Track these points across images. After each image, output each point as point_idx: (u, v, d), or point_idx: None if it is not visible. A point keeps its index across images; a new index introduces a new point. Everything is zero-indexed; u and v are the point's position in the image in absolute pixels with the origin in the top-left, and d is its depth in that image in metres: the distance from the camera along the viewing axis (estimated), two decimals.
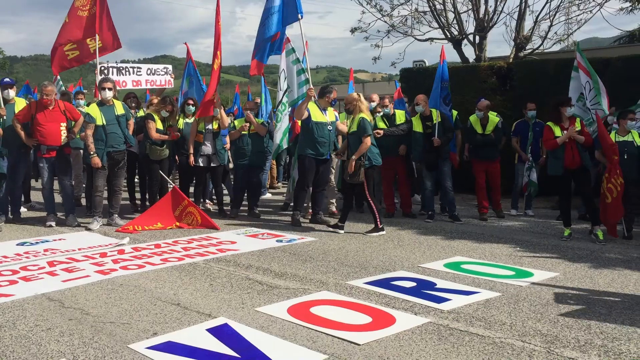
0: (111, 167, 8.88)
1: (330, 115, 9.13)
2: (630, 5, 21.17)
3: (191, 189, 10.20)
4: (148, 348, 4.14)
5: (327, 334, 4.37)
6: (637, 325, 4.54)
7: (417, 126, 9.35)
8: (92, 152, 8.64)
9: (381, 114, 9.94)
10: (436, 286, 5.67)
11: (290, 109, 10.82)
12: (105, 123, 8.66)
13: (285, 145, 10.96)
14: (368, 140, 8.15)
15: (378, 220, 8.30)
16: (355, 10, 20.35)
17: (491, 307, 5.03)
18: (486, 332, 4.40)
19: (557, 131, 7.77)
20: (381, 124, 9.64)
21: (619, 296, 5.32)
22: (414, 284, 5.75)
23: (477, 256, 7.00)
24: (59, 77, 13.46)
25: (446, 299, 5.21)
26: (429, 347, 4.13)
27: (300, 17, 9.27)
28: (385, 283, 5.76)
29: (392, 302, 5.16)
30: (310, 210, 9.59)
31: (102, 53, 10.14)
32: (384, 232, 8.28)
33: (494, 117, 9.68)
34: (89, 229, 8.65)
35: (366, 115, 8.40)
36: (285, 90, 10.33)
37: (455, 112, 10.02)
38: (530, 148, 9.82)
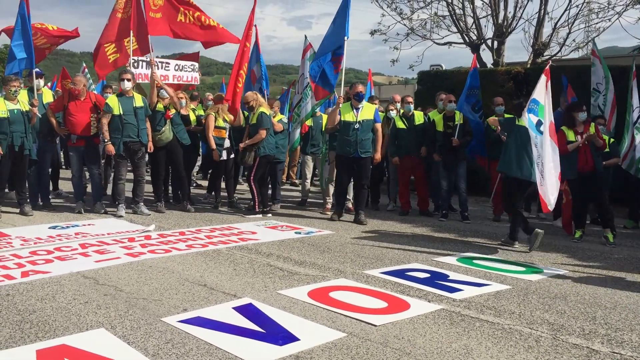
0: (129, 157, 9.20)
1: (365, 112, 9.14)
2: None
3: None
4: (180, 322, 4.45)
5: (345, 316, 4.66)
6: (639, 318, 4.78)
7: (439, 125, 9.60)
8: (106, 140, 8.97)
9: (395, 113, 10.19)
10: (449, 278, 5.94)
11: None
12: (122, 113, 8.94)
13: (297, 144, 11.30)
14: (263, 133, 9.21)
15: (257, 204, 9.43)
16: (373, 12, 20.60)
17: (501, 298, 5.30)
18: (496, 319, 4.67)
19: (571, 135, 7.98)
20: (400, 124, 9.88)
21: (625, 293, 5.55)
22: (428, 275, 6.02)
23: (489, 253, 7.26)
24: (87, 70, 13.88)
25: (458, 289, 5.48)
26: (441, 330, 4.41)
27: (346, 38, 9.41)
28: (400, 273, 6.04)
29: (407, 291, 5.44)
30: (328, 206, 9.90)
31: (136, 54, 10.51)
32: (260, 215, 9.32)
33: (509, 116, 9.88)
34: (115, 216, 9.00)
35: (265, 110, 9.38)
36: (300, 100, 10.66)
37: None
38: None
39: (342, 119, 9.08)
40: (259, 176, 9.46)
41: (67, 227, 8.12)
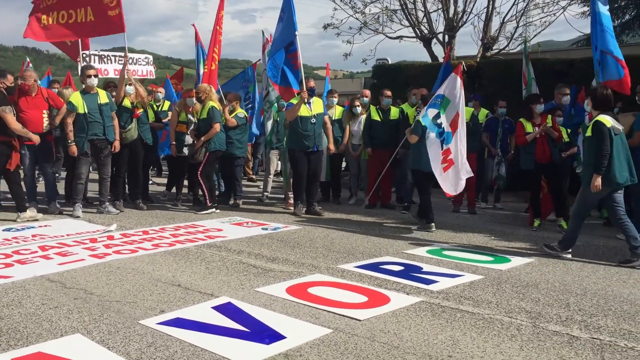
0: (95, 155, 8.89)
1: (316, 106, 9.24)
2: (588, 10, 22.10)
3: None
4: (159, 324, 4.31)
5: (327, 311, 4.63)
6: (610, 303, 4.94)
7: (411, 118, 9.67)
8: (70, 140, 8.62)
9: (360, 109, 10.25)
10: (423, 270, 5.99)
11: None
12: (87, 111, 8.64)
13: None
14: (217, 127, 9.12)
15: (208, 199, 9.32)
16: (318, 6, 20.65)
17: (476, 288, 5.38)
18: (475, 310, 4.73)
19: (529, 127, 8.25)
20: (375, 116, 9.91)
21: (591, 279, 5.73)
22: (402, 267, 6.06)
23: (456, 244, 7.37)
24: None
25: (434, 281, 5.53)
26: (424, 322, 4.43)
27: (296, 33, 9.33)
28: (374, 267, 6.05)
29: (384, 284, 5.45)
30: (291, 201, 9.83)
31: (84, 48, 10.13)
32: (215, 211, 9.29)
33: (469, 109, 10.03)
34: (72, 216, 8.67)
35: (216, 104, 9.25)
36: (267, 94, 10.57)
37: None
38: (500, 143, 10.27)
39: (298, 114, 9.06)
40: (207, 172, 9.33)
41: (23, 229, 7.77)
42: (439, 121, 7.85)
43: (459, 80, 7.86)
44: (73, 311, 4.58)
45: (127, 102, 9.44)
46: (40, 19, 9.78)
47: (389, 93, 10.09)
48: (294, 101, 9.14)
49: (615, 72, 7.83)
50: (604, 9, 8.00)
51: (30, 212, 8.39)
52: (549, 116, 8.39)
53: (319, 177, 9.53)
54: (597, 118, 6.43)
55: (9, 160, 8.24)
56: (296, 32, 9.18)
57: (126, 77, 9.44)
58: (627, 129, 7.85)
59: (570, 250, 6.69)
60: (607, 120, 6.38)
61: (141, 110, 9.59)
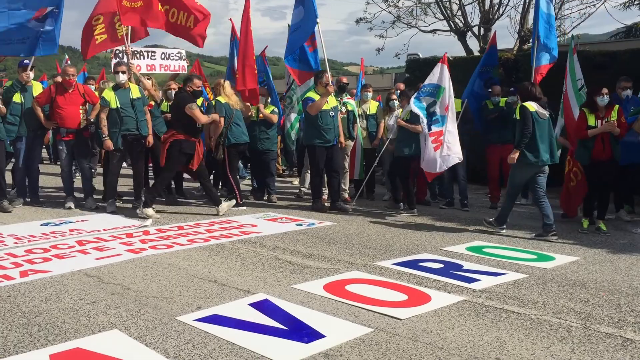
0: (129, 150, 8.91)
1: (332, 99, 9.15)
2: (627, 2, 21.48)
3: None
4: (196, 320, 4.26)
5: (367, 310, 4.50)
6: None
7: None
8: (104, 135, 8.63)
9: (397, 102, 10.04)
10: (463, 268, 5.82)
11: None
12: (119, 106, 8.60)
13: (293, 135, 11.17)
14: (215, 116, 8.82)
15: (238, 196, 9.17)
16: (349, 2, 20.54)
17: (521, 287, 5.19)
18: (521, 310, 4.55)
19: (592, 120, 7.63)
20: None
21: None
22: (441, 265, 5.90)
23: (496, 241, 7.15)
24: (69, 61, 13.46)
25: (476, 279, 5.36)
26: (468, 322, 4.28)
27: (317, 20, 9.29)
28: (413, 264, 5.90)
29: (424, 282, 5.30)
30: (325, 197, 9.71)
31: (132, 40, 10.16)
32: (244, 208, 9.13)
33: (502, 97, 9.78)
34: (107, 211, 8.71)
35: (221, 98, 9.09)
36: (290, 85, 10.45)
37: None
38: None
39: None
40: (232, 167, 9.24)
41: (60, 223, 7.83)
42: (432, 109, 8.57)
43: (446, 69, 8.57)
44: (111, 306, 4.55)
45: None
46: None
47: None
48: (314, 96, 8.97)
49: (537, 60, 8.78)
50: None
51: (152, 211, 8.39)
52: (616, 108, 7.68)
53: (340, 171, 9.39)
54: (523, 103, 7.34)
55: (192, 160, 8.44)
56: (318, 20, 9.21)
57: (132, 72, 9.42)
58: None
59: (504, 227, 7.64)
60: (531, 105, 7.25)
61: (152, 104, 9.52)
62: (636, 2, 23.66)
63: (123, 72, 8.80)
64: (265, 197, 10.17)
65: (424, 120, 8.54)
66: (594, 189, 7.85)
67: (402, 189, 9.20)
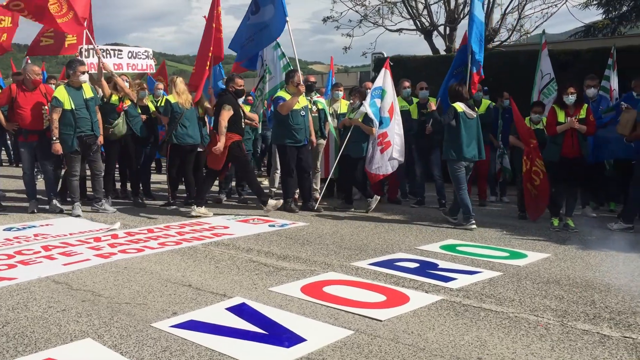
0: (84, 152, 8.66)
1: (302, 99, 9.11)
2: (586, 1, 22.04)
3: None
4: (172, 326, 4.14)
5: (346, 312, 4.46)
6: (636, 300, 4.78)
7: (414, 112, 9.51)
8: (54, 138, 8.27)
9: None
10: (439, 267, 5.83)
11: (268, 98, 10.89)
12: (74, 108, 8.34)
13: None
14: (163, 119, 9.12)
15: (170, 196, 9.40)
16: (312, 1, 20.60)
17: (496, 285, 5.22)
18: (499, 308, 4.57)
19: (561, 116, 7.75)
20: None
21: (612, 274, 5.58)
22: (417, 264, 5.89)
23: (469, 239, 7.20)
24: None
25: (452, 278, 5.37)
26: (448, 322, 4.27)
27: (287, 20, 9.23)
28: (389, 264, 5.89)
29: (401, 282, 5.29)
30: (296, 197, 9.64)
31: (74, 50, 10.00)
32: (174, 207, 9.25)
33: (485, 100, 9.87)
34: (72, 215, 8.46)
35: (170, 98, 9.04)
36: (262, 77, 10.36)
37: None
38: (501, 135, 10.09)
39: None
40: (173, 167, 9.23)
41: (24, 228, 7.58)
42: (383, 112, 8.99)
43: (389, 73, 9.07)
44: (82, 314, 4.40)
45: (114, 98, 9.21)
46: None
47: (407, 84, 9.91)
48: (285, 95, 8.90)
49: (473, 68, 9.12)
50: (478, 5, 9.29)
51: (204, 209, 8.58)
52: (585, 106, 7.83)
53: (311, 171, 9.36)
54: (452, 104, 7.95)
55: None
56: (287, 19, 9.23)
57: (104, 71, 9.23)
58: (632, 123, 7.71)
59: (456, 217, 8.10)
60: (459, 106, 7.88)
61: (128, 103, 9.33)
62: (594, 2, 24.34)
63: (86, 72, 8.57)
64: (237, 198, 10.07)
65: (376, 123, 8.87)
66: (561, 187, 7.94)
67: (353, 187, 9.43)
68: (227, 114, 8.28)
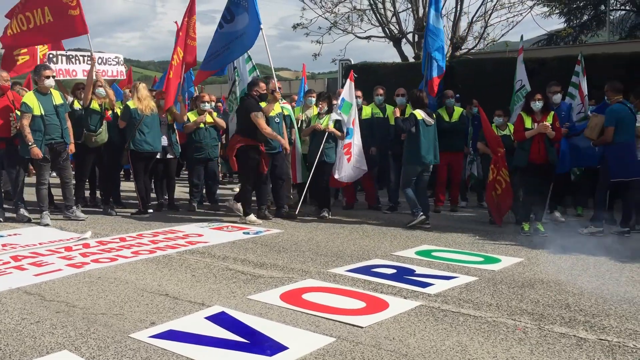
0: (53, 159, 8.49)
1: (277, 107, 9.11)
2: (548, 10, 22.63)
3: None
4: (151, 337, 4.08)
5: (327, 319, 4.45)
6: (609, 303, 4.90)
7: (391, 119, 9.57)
8: (30, 143, 8.12)
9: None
10: (415, 272, 5.87)
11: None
12: (43, 113, 8.19)
13: None
14: (120, 123, 9.08)
15: (141, 205, 9.21)
16: (279, 8, 20.62)
17: (473, 290, 5.28)
18: (477, 313, 4.63)
19: (528, 123, 7.91)
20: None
21: (584, 277, 5.70)
22: (394, 270, 5.93)
23: (443, 244, 7.28)
24: None
25: (429, 284, 5.41)
26: (428, 327, 4.30)
27: (261, 27, 9.22)
28: (366, 270, 5.90)
29: (380, 288, 5.31)
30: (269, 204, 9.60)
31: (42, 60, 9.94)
32: (147, 215, 9.15)
33: (458, 108, 10.00)
34: (41, 224, 8.27)
35: (130, 103, 9.05)
36: (234, 81, 10.32)
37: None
38: (471, 142, 10.25)
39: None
40: (137, 174, 9.17)
41: None
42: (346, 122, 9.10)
43: (352, 85, 9.17)
44: (57, 326, 4.30)
45: (95, 105, 9.11)
46: (7, 27, 9.47)
47: (381, 91, 9.96)
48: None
49: (429, 73, 9.48)
50: (433, 13, 9.58)
51: (254, 217, 8.56)
52: (551, 113, 7.99)
53: (285, 178, 9.35)
54: (412, 111, 8.29)
55: (260, 164, 8.52)
56: (261, 26, 9.21)
57: (95, 78, 9.12)
58: (600, 128, 7.91)
59: (422, 214, 8.23)
60: (419, 113, 8.22)
61: (110, 112, 9.27)
62: (557, 12, 25.00)
63: (53, 77, 8.42)
64: (207, 204, 9.99)
65: (344, 130, 9.00)
66: (530, 191, 8.08)
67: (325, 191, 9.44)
68: (262, 120, 8.30)
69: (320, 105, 9.34)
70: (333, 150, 9.06)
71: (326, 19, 19.17)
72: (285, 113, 9.75)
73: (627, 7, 26.50)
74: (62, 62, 9.58)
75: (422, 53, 9.56)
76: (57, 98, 8.43)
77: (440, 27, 9.96)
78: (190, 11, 9.63)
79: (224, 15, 9.54)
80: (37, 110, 8.15)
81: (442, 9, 10.48)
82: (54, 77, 8.51)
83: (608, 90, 8.06)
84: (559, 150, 8.38)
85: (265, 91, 8.68)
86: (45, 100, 8.28)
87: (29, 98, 8.25)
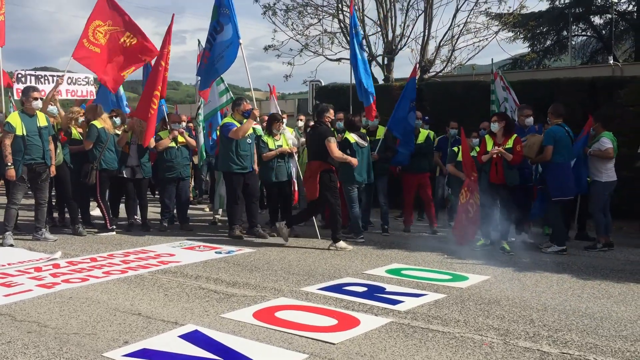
0: (32, 179, 8.46)
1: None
2: (513, 35, 23.31)
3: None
4: (125, 356, 4.11)
5: (300, 336, 4.54)
6: (571, 318, 5.09)
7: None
8: (9, 164, 8.15)
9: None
10: (386, 290, 6.00)
11: (206, 124, 11.10)
12: (25, 134, 8.20)
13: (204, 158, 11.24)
14: (87, 144, 9.09)
15: (107, 222, 9.31)
16: (250, 29, 20.84)
17: (441, 307, 5.42)
18: (445, 329, 4.76)
19: (490, 145, 8.18)
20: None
21: (547, 294, 5.89)
22: (365, 288, 6.04)
23: (412, 263, 7.43)
24: None
25: (399, 301, 5.54)
26: (398, 343, 4.42)
27: (240, 42, 9.38)
28: (337, 288, 6.01)
29: (351, 306, 5.41)
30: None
31: None
32: (113, 233, 9.25)
33: (424, 130, 10.21)
34: (4, 245, 8.14)
35: (96, 123, 9.11)
36: (200, 105, 10.45)
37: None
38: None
39: None
40: (104, 192, 9.29)
41: None
42: None
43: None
44: (29, 346, 4.29)
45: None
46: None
47: (340, 116, 10.08)
48: (233, 122, 8.94)
49: (366, 100, 9.82)
50: (358, 47, 10.01)
51: (345, 243, 8.32)
52: (513, 136, 8.17)
53: (257, 197, 9.45)
54: (345, 135, 8.74)
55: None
56: (240, 41, 9.41)
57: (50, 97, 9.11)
58: (537, 146, 8.22)
59: (362, 236, 8.81)
60: (352, 137, 8.68)
61: (63, 132, 9.25)
62: (521, 37, 25.75)
63: (40, 99, 8.45)
64: (178, 225, 9.98)
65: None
66: (489, 210, 8.29)
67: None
68: (334, 145, 8.34)
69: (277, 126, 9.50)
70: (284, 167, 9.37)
71: (297, 41, 19.42)
72: (257, 133, 9.84)
73: (588, 33, 27.48)
74: (30, 82, 9.51)
75: (355, 82, 9.98)
76: (41, 120, 8.44)
77: (365, 58, 10.42)
78: (165, 41, 9.74)
79: (213, 27, 9.60)
80: (20, 130, 8.17)
81: (362, 40, 10.80)
82: (42, 99, 8.54)
83: (550, 113, 8.40)
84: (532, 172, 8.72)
85: (334, 117, 8.91)
86: (30, 121, 8.30)
87: (13, 118, 8.27)
